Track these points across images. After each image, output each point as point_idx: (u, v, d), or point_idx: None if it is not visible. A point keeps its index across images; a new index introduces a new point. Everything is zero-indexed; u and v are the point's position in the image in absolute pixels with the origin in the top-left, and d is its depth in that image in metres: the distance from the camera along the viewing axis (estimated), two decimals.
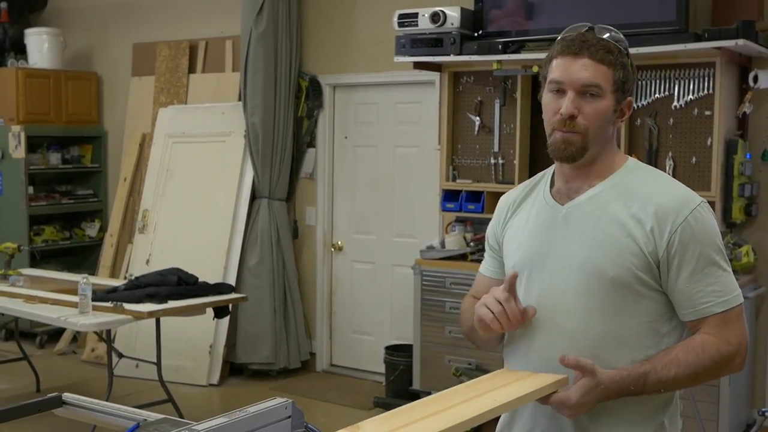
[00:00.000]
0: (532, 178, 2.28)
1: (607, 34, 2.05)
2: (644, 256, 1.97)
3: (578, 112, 2.01)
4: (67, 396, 2.18)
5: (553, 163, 2.16)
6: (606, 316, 2.00)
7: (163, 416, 1.99)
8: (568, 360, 1.92)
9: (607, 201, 2.04)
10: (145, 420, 1.96)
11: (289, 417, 1.84)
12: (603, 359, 1.99)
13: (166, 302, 5.25)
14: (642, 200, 2.00)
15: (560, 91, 2.03)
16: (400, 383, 5.97)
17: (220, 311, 5.69)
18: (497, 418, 2.22)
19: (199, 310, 5.46)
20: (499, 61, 5.40)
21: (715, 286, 1.97)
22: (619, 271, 1.98)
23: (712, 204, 4.76)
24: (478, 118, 5.76)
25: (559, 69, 2.03)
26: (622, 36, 2.07)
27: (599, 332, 2.00)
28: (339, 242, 7.01)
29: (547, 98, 2.07)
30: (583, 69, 2.00)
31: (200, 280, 5.63)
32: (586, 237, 2.03)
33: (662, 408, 2.05)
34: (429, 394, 6.05)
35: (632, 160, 2.14)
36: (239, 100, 7.00)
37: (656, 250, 1.97)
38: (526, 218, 2.18)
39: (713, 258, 1.98)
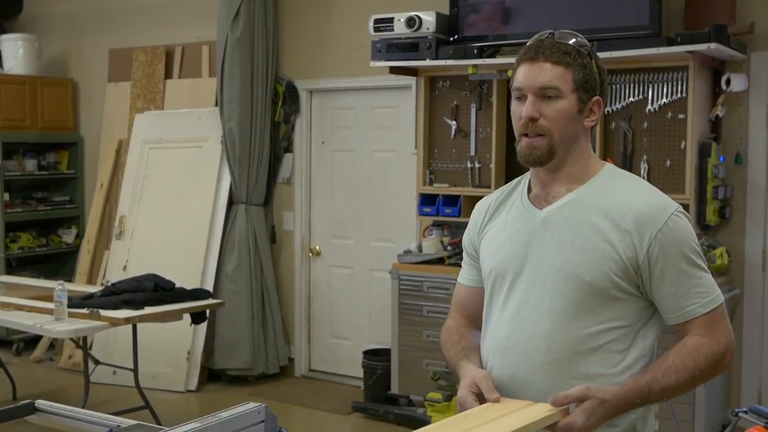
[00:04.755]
0: (507, 185, 2.30)
1: (573, 40, 2.08)
2: (622, 261, 2.00)
3: (539, 114, 2.04)
4: (40, 403, 2.18)
5: (529, 169, 2.19)
6: (582, 319, 2.02)
7: (136, 422, 1.99)
8: (559, 401, 1.92)
9: (585, 206, 2.06)
10: (119, 426, 1.96)
11: (263, 421, 1.85)
12: (579, 362, 2.01)
13: (142, 308, 5.24)
14: (620, 206, 2.03)
15: (522, 98, 2.07)
16: (379, 388, 5.97)
17: (197, 317, 5.68)
18: None
19: (176, 316, 5.45)
20: (474, 66, 5.42)
21: (698, 288, 2.01)
22: (597, 275, 2.00)
23: (686, 207, 4.86)
24: (454, 122, 5.78)
25: (519, 75, 2.08)
26: (585, 41, 2.11)
27: (575, 335, 2.02)
28: (317, 247, 7.01)
29: (513, 106, 2.11)
30: (539, 72, 2.04)
31: (177, 285, 5.61)
32: (564, 241, 2.05)
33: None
34: (407, 398, 6.03)
35: (610, 166, 2.16)
36: (216, 105, 6.98)
37: (636, 256, 2.00)
38: (504, 223, 2.19)
39: (693, 260, 2.02)
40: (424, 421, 5.50)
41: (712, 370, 2.02)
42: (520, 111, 2.07)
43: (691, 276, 2.01)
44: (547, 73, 2.03)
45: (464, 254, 2.36)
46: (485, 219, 2.26)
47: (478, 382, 2.04)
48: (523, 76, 2.06)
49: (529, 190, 2.19)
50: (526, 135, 2.07)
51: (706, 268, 2.06)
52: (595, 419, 1.93)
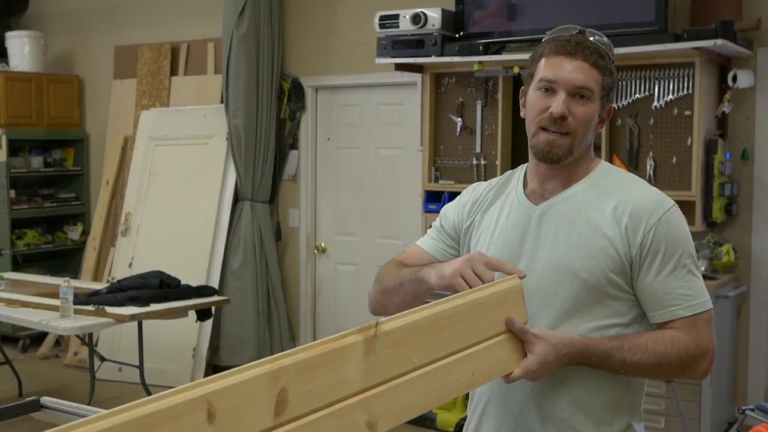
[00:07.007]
0: (499, 177, 2.24)
1: (592, 38, 2.03)
2: (618, 257, 1.95)
3: (568, 112, 1.97)
4: (46, 400, 2.18)
5: (522, 162, 2.16)
6: (574, 317, 1.97)
7: None
8: (516, 329, 1.88)
9: (582, 202, 2.02)
10: None
11: None
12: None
13: (148, 305, 5.24)
14: (617, 201, 1.99)
15: (550, 90, 1.99)
16: None
17: (202, 314, 5.69)
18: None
19: (181, 312, 5.46)
20: (480, 62, 5.41)
21: (684, 290, 1.95)
22: (593, 272, 1.96)
23: (692, 204, 4.86)
24: (459, 119, 5.77)
25: (552, 68, 1.99)
26: (607, 40, 2.06)
27: (570, 333, 1.96)
28: (322, 244, 7.01)
29: (534, 96, 2.02)
30: (576, 71, 1.97)
31: (183, 282, 5.63)
32: (560, 237, 2.01)
33: (628, 410, 2.04)
34: None
35: (605, 164, 2.13)
36: (221, 102, 6.99)
37: (629, 250, 1.95)
38: (497, 217, 2.13)
39: (684, 261, 1.96)
40: (429, 417, 5.50)
41: (681, 368, 1.95)
42: (544, 104, 1.99)
43: (678, 276, 1.95)
44: (585, 72, 1.97)
45: (437, 225, 2.27)
46: (475, 207, 2.19)
47: (498, 263, 1.95)
48: (559, 70, 1.98)
49: (525, 185, 2.14)
50: (545, 129, 2.00)
51: (697, 272, 1.99)
52: (548, 364, 1.88)
